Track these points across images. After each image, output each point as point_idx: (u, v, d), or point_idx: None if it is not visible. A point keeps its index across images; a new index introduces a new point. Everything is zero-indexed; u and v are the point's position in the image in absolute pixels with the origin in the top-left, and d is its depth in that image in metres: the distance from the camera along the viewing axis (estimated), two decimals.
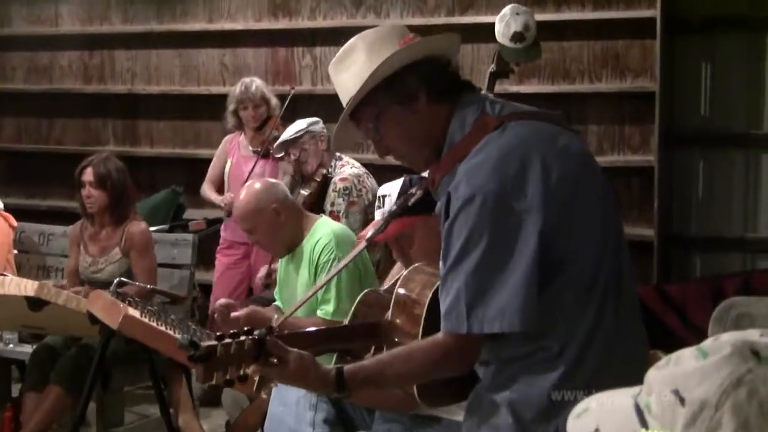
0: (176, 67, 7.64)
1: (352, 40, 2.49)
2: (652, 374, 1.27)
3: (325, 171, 5.45)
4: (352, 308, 3.16)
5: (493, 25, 5.22)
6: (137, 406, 5.86)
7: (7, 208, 5.75)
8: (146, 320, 3.90)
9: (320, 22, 7.13)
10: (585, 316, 2.28)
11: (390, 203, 3.17)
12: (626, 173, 6.38)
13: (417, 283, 2.79)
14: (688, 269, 6.39)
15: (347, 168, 5.44)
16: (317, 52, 7.18)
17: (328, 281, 3.52)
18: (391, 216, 2.75)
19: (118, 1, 7.77)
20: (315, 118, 5.51)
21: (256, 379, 2.46)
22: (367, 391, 2.63)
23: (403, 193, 3.02)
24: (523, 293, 2.20)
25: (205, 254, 6.27)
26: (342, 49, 2.49)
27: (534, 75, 6.53)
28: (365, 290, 3.28)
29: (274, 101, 6.12)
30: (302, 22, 7.19)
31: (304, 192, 5.43)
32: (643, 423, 1.24)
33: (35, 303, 4.42)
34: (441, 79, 2.43)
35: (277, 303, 4.43)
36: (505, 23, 5.02)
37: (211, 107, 7.17)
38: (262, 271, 5.41)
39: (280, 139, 5.54)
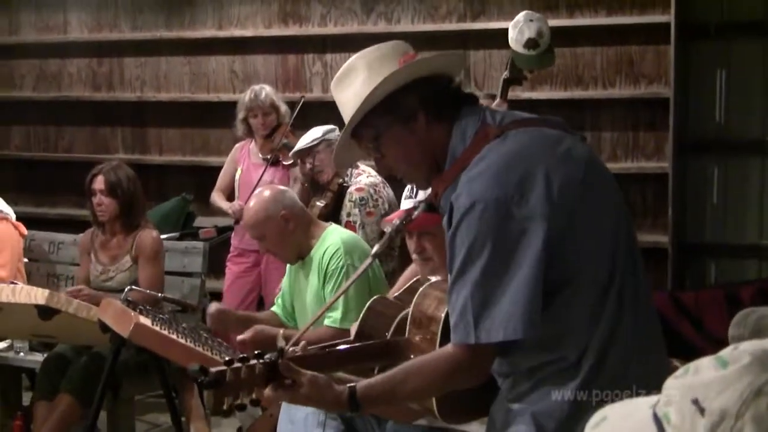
0: (185, 75, 7.62)
1: (352, 58, 2.49)
2: (671, 383, 1.25)
3: (340, 180, 5.40)
4: (361, 315, 3.13)
5: (504, 31, 5.19)
6: (148, 415, 5.84)
7: (16, 217, 5.72)
8: (157, 329, 3.87)
9: (330, 29, 7.10)
10: (600, 323, 2.26)
11: (423, 193, 3.11)
12: (640, 180, 6.35)
13: (432, 299, 2.76)
14: (703, 277, 6.36)
15: (363, 177, 5.39)
16: (328, 59, 7.15)
17: (347, 288, 3.48)
18: (424, 209, 2.70)
19: (127, 9, 7.76)
20: (330, 126, 5.45)
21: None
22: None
23: None
24: (524, 300, 2.18)
25: (215, 262, 6.24)
26: (343, 66, 2.50)
27: (546, 81, 6.50)
28: (374, 297, 3.25)
29: (283, 109, 6.10)
30: (312, 29, 7.17)
31: (320, 203, 5.39)
32: None
33: (45, 312, 4.39)
34: (440, 99, 2.42)
35: (275, 309, 4.40)
36: (518, 30, 4.99)
37: (220, 115, 7.15)
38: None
39: (296, 148, 5.49)
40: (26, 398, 5.48)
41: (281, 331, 3.99)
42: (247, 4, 7.35)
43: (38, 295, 4.40)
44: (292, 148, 5.86)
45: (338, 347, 2.79)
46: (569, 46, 6.38)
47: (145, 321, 3.89)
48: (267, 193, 4.31)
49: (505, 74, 5.14)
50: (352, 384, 2.34)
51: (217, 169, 6.46)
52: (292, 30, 7.23)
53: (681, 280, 6.16)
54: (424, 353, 2.62)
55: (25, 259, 5.70)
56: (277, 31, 7.26)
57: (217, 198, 6.24)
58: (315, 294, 4.14)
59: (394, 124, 2.41)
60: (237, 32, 7.36)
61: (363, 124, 2.44)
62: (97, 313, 4.22)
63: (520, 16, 5.07)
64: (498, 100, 5.09)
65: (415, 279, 3.32)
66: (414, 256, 3.14)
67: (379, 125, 2.42)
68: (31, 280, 5.58)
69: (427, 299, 2.78)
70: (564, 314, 2.24)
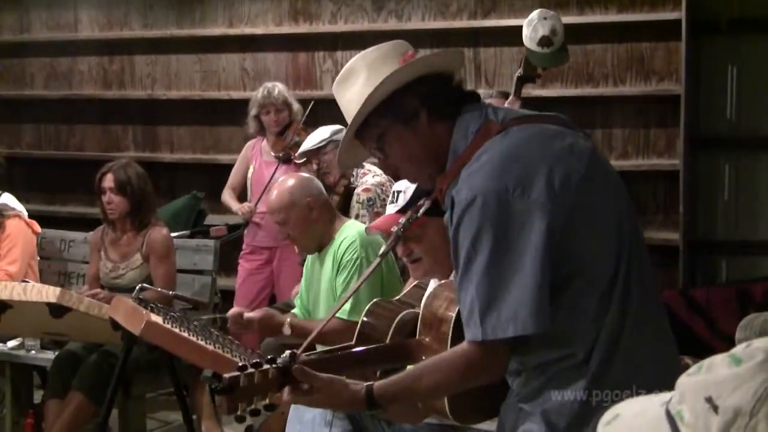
0: (196, 73, 7.62)
1: (353, 59, 2.50)
2: (684, 381, 1.25)
3: (347, 182, 5.40)
4: (361, 317, 3.13)
5: (515, 28, 5.18)
6: (159, 413, 5.85)
7: (28, 215, 5.74)
8: (169, 326, 3.87)
9: (341, 27, 7.09)
10: (607, 318, 2.25)
11: (404, 199, 3.12)
12: (651, 177, 6.34)
13: (443, 299, 2.76)
14: (714, 274, 6.34)
15: (369, 177, 5.39)
16: (338, 57, 7.15)
17: (358, 288, 3.49)
18: (403, 228, 2.71)
19: (138, 7, 7.76)
20: (338, 126, 5.44)
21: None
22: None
23: (420, 193, 2.98)
24: (532, 294, 2.17)
25: (226, 260, 6.25)
26: (344, 68, 2.51)
27: (557, 79, 6.48)
28: (374, 300, 3.25)
29: (296, 106, 6.09)
30: (323, 27, 7.16)
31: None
32: (676, 431, 1.22)
33: (57, 310, 4.40)
34: (442, 97, 2.43)
35: (295, 311, 4.41)
36: (532, 28, 4.97)
37: (231, 112, 7.16)
38: (296, 288, 5.37)
39: (303, 148, 5.49)
40: (37, 396, 5.49)
41: (288, 319, 4.03)
42: (257, 1, 7.35)
43: (50, 293, 4.40)
44: None
45: (349, 351, 2.79)
46: (580, 44, 6.36)
47: (157, 319, 3.90)
48: (294, 179, 4.35)
49: (519, 72, 5.13)
50: (369, 383, 2.34)
51: (228, 167, 6.46)
52: (303, 28, 7.22)
53: (692, 278, 6.14)
54: (436, 354, 2.62)
55: (37, 258, 5.70)
56: (287, 28, 7.26)
57: (228, 197, 6.24)
58: (328, 282, 4.19)
59: (396, 124, 2.41)
60: (248, 30, 7.35)
61: (366, 125, 2.45)
62: (109, 311, 4.22)
63: (534, 13, 5.06)
64: (511, 97, 5.09)
65: (416, 282, 3.33)
66: (404, 260, 3.15)
67: (381, 125, 2.43)
68: (42, 278, 5.59)
69: (437, 300, 2.77)
70: (571, 310, 2.24)
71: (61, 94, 8.03)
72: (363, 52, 2.50)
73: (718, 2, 6.14)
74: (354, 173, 5.44)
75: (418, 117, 2.40)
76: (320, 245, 4.28)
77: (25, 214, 5.71)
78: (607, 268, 2.27)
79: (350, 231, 4.22)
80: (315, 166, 5.44)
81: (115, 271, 5.15)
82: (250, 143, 6.30)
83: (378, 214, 5.17)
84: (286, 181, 4.35)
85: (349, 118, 2.47)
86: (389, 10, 6.96)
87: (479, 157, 2.30)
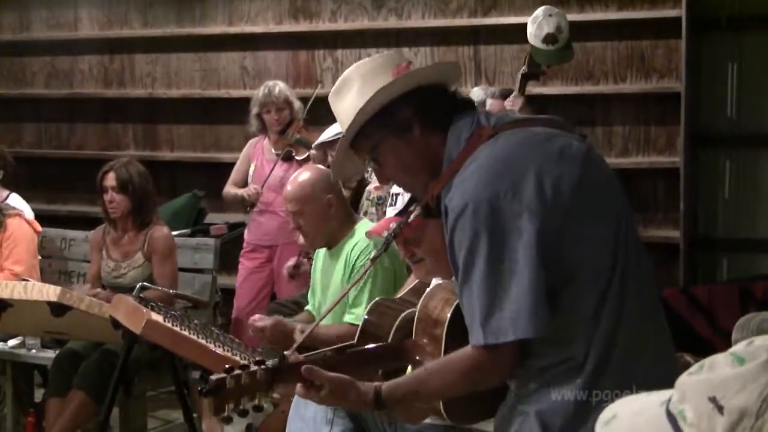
0: (196, 71, 7.62)
1: (349, 69, 2.51)
2: (685, 381, 1.24)
3: (359, 177, 5.37)
4: (364, 315, 3.12)
5: (515, 26, 5.18)
6: (160, 412, 5.85)
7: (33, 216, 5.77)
8: (169, 325, 3.87)
9: (341, 25, 7.09)
10: (603, 320, 2.25)
11: (402, 202, 3.13)
12: (652, 175, 6.33)
13: (438, 300, 2.76)
14: (715, 271, 6.34)
15: None
16: (338, 55, 7.14)
17: (347, 292, 3.48)
18: (393, 233, 2.72)
19: (138, 5, 7.76)
20: None
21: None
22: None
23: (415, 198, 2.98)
24: (530, 298, 2.17)
25: (226, 259, 6.25)
26: (340, 78, 2.51)
27: (558, 76, 6.48)
28: (375, 299, 3.24)
29: (297, 104, 6.09)
30: (323, 25, 7.16)
31: None
32: (678, 431, 1.21)
33: (58, 308, 4.40)
34: (435, 108, 2.43)
35: (309, 307, 4.37)
36: (537, 25, 4.96)
37: (231, 111, 7.16)
38: (291, 261, 5.34)
39: (320, 140, 5.45)
40: (38, 395, 5.48)
41: (298, 326, 3.98)
42: (257, 0, 7.34)
43: (50, 292, 4.40)
44: (305, 143, 5.85)
45: (345, 351, 2.79)
46: (580, 41, 6.33)
47: (157, 317, 3.90)
48: (317, 172, 4.24)
49: (523, 69, 5.12)
50: (377, 383, 2.35)
51: (228, 166, 6.46)
52: (303, 26, 7.22)
53: (693, 275, 6.14)
54: (430, 355, 2.64)
55: (39, 257, 5.71)
56: (287, 27, 7.26)
57: (230, 188, 6.21)
58: (338, 287, 4.11)
59: (389, 135, 2.42)
60: (248, 28, 7.35)
61: (360, 135, 2.45)
62: (109, 309, 4.22)
63: (540, 10, 5.05)
64: (515, 94, 5.08)
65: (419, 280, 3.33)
66: (407, 261, 3.15)
67: (375, 136, 2.43)
68: (43, 276, 5.59)
69: (432, 300, 2.77)
70: (569, 313, 2.24)
71: (61, 93, 8.03)
72: (358, 63, 2.51)
73: None
74: (368, 169, 5.40)
75: (412, 129, 2.40)
76: (330, 242, 4.20)
77: (32, 214, 5.73)
78: (604, 269, 2.26)
79: (362, 233, 4.11)
80: (330, 158, 5.40)
81: (116, 271, 5.15)
82: (252, 141, 6.30)
83: (386, 214, 5.16)
84: (308, 172, 4.23)
85: (343, 129, 2.48)
86: (389, 8, 6.96)
87: (470, 165, 2.30)
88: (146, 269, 5.08)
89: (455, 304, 2.56)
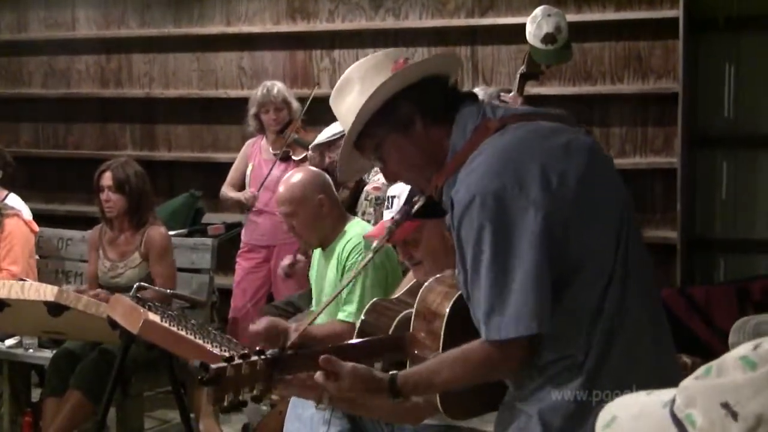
0: (194, 71, 7.61)
1: (348, 69, 2.51)
2: (692, 384, 1.21)
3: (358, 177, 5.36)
4: (362, 316, 3.12)
5: (512, 26, 5.18)
6: (157, 411, 5.85)
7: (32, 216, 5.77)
8: (166, 325, 3.87)
9: (339, 25, 7.09)
10: (605, 316, 2.25)
11: (399, 204, 3.13)
12: (649, 175, 6.33)
13: (437, 294, 2.75)
14: (712, 272, 6.33)
15: (381, 175, 5.34)
16: (336, 55, 7.14)
17: (340, 291, 3.49)
18: (396, 224, 2.71)
19: (135, 5, 7.75)
20: None
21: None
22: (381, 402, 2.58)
23: (413, 195, 2.99)
24: (535, 294, 2.17)
25: (224, 259, 6.24)
26: (340, 79, 2.52)
27: (555, 77, 6.47)
28: (373, 299, 3.24)
29: (295, 105, 6.09)
30: (320, 25, 7.15)
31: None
32: None
33: (55, 308, 4.39)
34: (436, 101, 2.42)
35: (313, 309, 4.38)
36: (536, 24, 4.95)
37: (229, 111, 7.16)
38: (287, 259, 5.33)
39: (317, 141, 5.45)
40: (35, 395, 5.49)
41: (293, 325, 3.98)
42: (255, 0, 7.34)
43: (47, 292, 4.40)
44: (303, 143, 5.84)
45: (343, 343, 2.79)
46: (578, 42, 6.31)
47: (154, 317, 3.90)
48: (307, 173, 4.29)
49: (522, 69, 5.11)
50: (393, 372, 2.37)
51: (226, 166, 6.46)
52: (300, 26, 7.21)
53: (690, 276, 6.13)
54: (429, 348, 2.64)
55: (36, 256, 5.71)
56: (285, 27, 7.25)
57: (228, 190, 6.22)
58: (331, 286, 4.13)
59: (392, 132, 2.42)
60: (245, 28, 7.34)
61: (363, 135, 2.46)
62: (107, 309, 4.22)
63: (538, 10, 5.04)
64: (513, 94, 5.07)
65: (415, 279, 3.32)
66: (406, 264, 3.15)
67: (378, 135, 2.44)
68: (40, 276, 5.59)
69: (431, 294, 2.76)
70: (572, 311, 2.24)
71: (58, 92, 8.02)
72: (357, 62, 2.51)
73: (716, 0, 6.14)
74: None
75: (414, 123, 2.40)
76: (323, 242, 4.22)
77: (30, 215, 5.72)
78: (606, 266, 2.26)
79: (355, 231, 4.16)
80: (328, 160, 5.39)
81: (113, 270, 5.15)
82: (250, 141, 6.30)
83: (383, 214, 5.15)
84: (299, 174, 4.27)
85: (346, 130, 2.48)
86: (387, 8, 6.95)
87: (476, 158, 2.30)
88: (143, 269, 5.08)
89: (454, 297, 2.56)
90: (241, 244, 6.17)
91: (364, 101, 2.40)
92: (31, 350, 5.19)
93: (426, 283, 2.83)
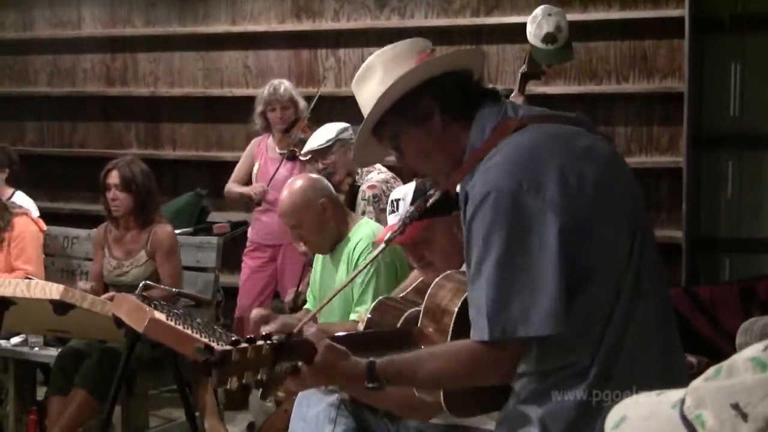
0: (199, 70, 7.62)
1: (372, 56, 2.47)
2: (702, 386, 1.21)
3: (351, 180, 5.36)
4: (367, 313, 3.12)
5: (518, 25, 5.16)
6: (162, 410, 5.85)
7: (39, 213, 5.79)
8: (172, 323, 3.86)
9: (344, 24, 7.09)
10: (614, 321, 2.23)
11: (404, 207, 3.13)
12: (654, 175, 6.33)
13: (447, 291, 2.74)
14: (717, 271, 6.33)
15: (374, 174, 5.35)
16: (341, 54, 7.14)
17: (341, 290, 3.48)
18: (410, 218, 2.70)
19: (141, 4, 7.76)
20: (344, 124, 5.41)
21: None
22: (395, 392, 2.57)
23: (418, 197, 2.99)
24: (547, 296, 2.14)
25: (229, 257, 6.25)
26: (363, 65, 2.48)
27: (560, 76, 6.47)
28: (378, 298, 3.24)
29: (302, 104, 6.08)
30: (326, 24, 7.16)
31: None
32: None
33: (60, 306, 4.39)
34: (457, 97, 2.39)
35: (308, 306, 4.37)
36: (536, 24, 4.95)
37: (234, 110, 7.17)
38: (290, 294, 5.34)
39: (308, 147, 5.44)
40: (40, 393, 5.48)
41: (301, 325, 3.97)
42: None
43: (53, 291, 4.39)
44: None
45: (347, 334, 2.78)
46: (583, 41, 6.34)
47: (160, 316, 3.89)
48: (304, 181, 4.26)
49: (523, 68, 5.10)
50: (372, 359, 2.33)
51: (231, 164, 6.46)
52: (306, 25, 7.22)
53: (695, 275, 6.13)
54: (436, 345, 2.61)
55: (42, 255, 5.72)
56: (290, 26, 7.25)
57: (234, 185, 6.21)
58: (345, 291, 4.09)
59: (410, 124, 2.39)
60: (250, 27, 7.35)
61: (381, 123, 2.43)
62: (112, 308, 4.22)
63: (539, 10, 5.03)
64: (515, 93, 5.06)
65: (420, 279, 3.32)
66: (415, 266, 3.15)
67: (396, 125, 2.41)
68: (45, 274, 5.60)
69: (441, 290, 2.76)
70: (583, 317, 2.21)
71: (64, 91, 8.03)
72: (382, 49, 2.47)
73: None
74: (360, 171, 5.41)
75: (432, 118, 2.37)
76: (334, 243, 4.20)
77: (37, 212, 5.74)
78: (618, 274, 2.24)
79: (365, 231, 4.14)
80: (321, 166, 5.40)
81: (119, 269, 5.15)
82: (256, 139, 6.30)
83: (383, 211, 5.14)
84: (296, 183, 4.24)
85: (365, 116, 2.44)
86: (392, 7, 6.96)
87: (495, 154, 2.27)
88: (149, 267, 5.08)
89: (465, 295, 2.53)
90: (248, 243, 6.17)
91: (384, 91, 2.37)
92: (36, 349, 5.19)
93: (436, 280, 2.83)
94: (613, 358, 2.23)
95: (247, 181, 6.23)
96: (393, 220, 3.23)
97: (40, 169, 8.01)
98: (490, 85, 5.80)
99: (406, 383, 2.43)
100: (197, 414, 4.94)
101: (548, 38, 4.93)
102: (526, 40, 5.05)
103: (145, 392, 5.16)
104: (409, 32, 6.92)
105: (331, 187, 4.34)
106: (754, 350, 1.19)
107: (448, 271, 2.84)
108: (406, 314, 2.93)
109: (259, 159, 6.17)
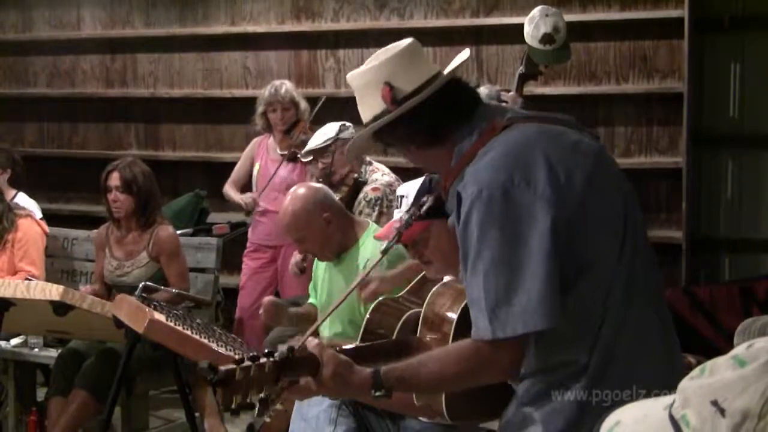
0: (199, 71, 7.61)
1: (349, 75, 2.53)
2: (686, 385, 1.23)
3: (355, 175, 5.36)
4: (367, 315, 3.12)
5: (518, 26, 5.16)
6: (162, 411, 5.85)
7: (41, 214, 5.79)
8: (172, 324, 3.87)
9: (343, 25, 7.09)
10: (609, 318, 2.24)
11: (407, 204, 3.14)
12: (654, 175, 6.33)
13: (446, 299, 2.75)
14: (717, 272, 6.33)
15: (378, 175, 5.34)
16: (340, 55, 7.14)
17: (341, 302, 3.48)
18: (405, 225, 2.72)
19: (140, 5, 7.76)
20: (343, 123, 5.41)
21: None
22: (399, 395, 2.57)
23: (423, 193, 2.99)
24: (542, 289, 2.15)
25: (229, 258, 6.25)
26: (353, 82, 2.53)
27: (560, 76, 6.47)
28: (378, 299, 3.24)
29: (303, 105, 6.09)
30: (325, 25, 7.16)
31: (335, 196, 5.34)
32: None
33: (60, 307, 4.39)
34: (429, 130, 2.42)
35: (311, 300, 4.35)
36: (534, 25, 4.95)
37: (233, 111, 7.17)
38: (297, 256, 5.30)
39: (309, 147, 5.44)
40: (41, 394, 5.49)
41: (298, 336, 3.94)
42: (259, 0, 7.35)
43: (53, 291, 4.40)
44: None
45: (347, 346, 2.78)
46: (582, 41, 6.35)
47: (160, 317, 3.90)
48: (306, 193, 4.17)
49: (521, 69, 5.10)
50: (376, 368, 2.33)
51: (231, 165, 6.46)
52: (305, 26, 7.21)
53: (695, 276, 6.13)
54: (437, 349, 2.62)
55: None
56: (289, 26, 7.25)
57: (230, 190, 6.23)
58: (352, 297, 4.02)
59: (396, 143, 2.51)
60: (250, 28, 7.35)
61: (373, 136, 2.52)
62: (112, 309, 4.22)
63: (536, 10, 5.03)
64: (513, 93, 5.06)
65: (420, 277, 3.32)
66: (417, 262, 3.15)
67: (384, 141, 2.52)
68: (46, 276, 5.60)
69: (440, 299, 2.76)
70: (575, 312, 2.21)
71: (63, 92, 8.03)
72: (355, 71, 2.51)
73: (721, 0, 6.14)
74: (363, 169, 5.40)
75: (409, 148, 2.47)
76: (340, 251, 4.15)
77: (39, 213, 5.74)
78: (611, 267, 2.25)
79: (375, 245, 4.10)
80: (321, 165, 5.40)
81: (120, 269, 5.16)
82: (256, 140, 6.30)
83: (381, 214, 5.13)
84: (297, 198, 4.13)
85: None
86: (392, 8, 6.96)
87: (484, 154, 2.30)
88: (150, 268, 5.09)
89: (464, 302, 2.54)
90: (248, 244, 6.18)
91: (359, 134, 2.50)
92: (36, 349, 5.20)
93: (434, 288, 2.83)
94: (610, 356, 2.23)
95: (246, 182, 6.23)
96: (398, 215, 3.24)
97: (40, 171, 7.99)
98: (489, 85, 5.82)
99: (412, 387, 2.45)
100: (197, 414, 4.94)
101: (546, 39, 4.93)
102: (525, 41, 5.06)
103: (145, 393, 5.17)
104: (409, 33, 6.85)
105: (334, 196, 4.29)
106: (738, 349, 1.22)
107: (446, 279, 2.85)
108: (404, 317, 2.93)
109: (259, 160, 6.17)
